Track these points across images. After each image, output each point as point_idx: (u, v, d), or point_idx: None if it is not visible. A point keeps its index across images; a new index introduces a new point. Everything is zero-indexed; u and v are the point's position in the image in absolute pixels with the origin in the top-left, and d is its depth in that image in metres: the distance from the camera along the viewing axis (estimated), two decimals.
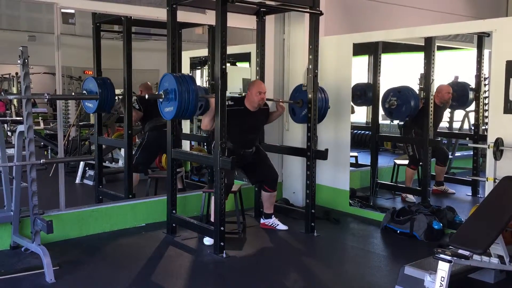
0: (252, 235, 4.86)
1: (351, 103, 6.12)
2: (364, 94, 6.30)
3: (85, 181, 6.85)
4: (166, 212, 4.79)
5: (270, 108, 4.97)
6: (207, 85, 6.95)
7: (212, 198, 4.49)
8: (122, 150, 6.37)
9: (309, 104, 4.75)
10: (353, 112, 6.10)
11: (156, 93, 4.21)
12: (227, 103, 4.28)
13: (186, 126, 7.16)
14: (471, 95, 6.21)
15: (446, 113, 6.52)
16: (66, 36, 5.60)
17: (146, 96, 4.31)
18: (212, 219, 4.51)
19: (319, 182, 5.50)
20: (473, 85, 6.09)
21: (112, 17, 5.25)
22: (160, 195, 5.23)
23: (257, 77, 5.15)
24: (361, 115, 7.01)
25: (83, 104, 5.12)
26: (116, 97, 7.85)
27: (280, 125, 6.01)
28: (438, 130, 6.13)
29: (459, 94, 6.20)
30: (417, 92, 5.92)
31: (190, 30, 6.52)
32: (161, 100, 4.11)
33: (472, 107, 6.27)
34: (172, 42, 4.49)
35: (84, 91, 4.92)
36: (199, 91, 5.12)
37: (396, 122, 7.79)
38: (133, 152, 5.53)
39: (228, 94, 4.19)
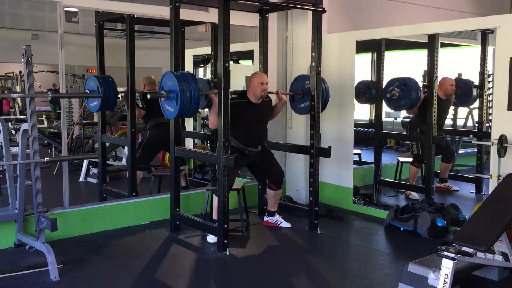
0: (255, 233, 4.87)
1: (355, 102, 6.11)
2: (368, 91, 6.28)
3: (89, 179, 6.87)
4: (169, 210, 4.80)
5: (273, 101, 4.93)
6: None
7: (215, 197, 4.49)
8: (126, 148, 6.40)
9: (312, 102, 4.75)
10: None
11: (157, 91, 4.20)
12: (232, 96, 4.26)
13: (189, 124, 7.17)
14: (475, 92, 6.18)
15: (450, 111, 6.49)
16: (69, 34, 5.61)
17: (148, 96, 4.32)
18: (214, 217, 4.52)
19: (322, 180, 5.49)
20: (477, 82, 6.07)
21: (115, 16, 5.26)
22: (164, 193, 5.24)
23: None
24: (364, 112, 7.01)
25: (86, 103, 5.16)
26: (119, 96, 7.92)
27: (283, 123, 6.01)
28: (444, 128, 6.10)
29: (463, 91, 6.17)
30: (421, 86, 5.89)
31: (193, 28, 6.52)
32: (162, 99, 4.11)
33: (476, 104, 6.25)
34: (175, 40, 4.49)
35: (87, 90, 4.95)
36: (204, 85, 5.08)
37: (399, 119, 7.82)
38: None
39: (230, 91, 4.18)
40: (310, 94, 4.79)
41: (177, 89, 3.94)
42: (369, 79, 6.50)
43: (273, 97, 4.89)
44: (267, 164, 4.82)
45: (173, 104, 4.02)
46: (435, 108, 5.37)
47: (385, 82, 5.88)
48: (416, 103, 5.58)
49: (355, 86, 5.69)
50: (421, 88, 5.63)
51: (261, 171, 4.91)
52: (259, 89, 4.48)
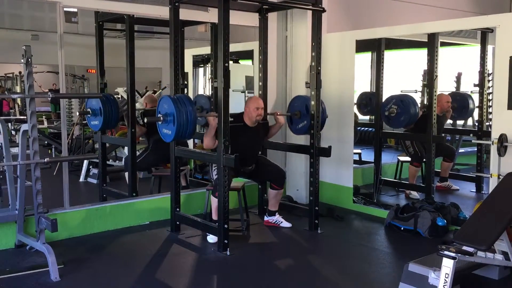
0: (256, 233, 4.87)
1: (356, 112, 6.16)
2: (370, 103, 6.31)
3: (89, 180, 6.87)
4: (170, 210, 4.80)
5: (270, 122, 5.04)
6: (210, 83, 6.95)
7: (212, 198, 4.52)
8: (126, 148, 6.40)
9: (312, 101, 4.75)
10: (357, 121, 6.19)
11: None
12: None
13: None
14: (471, 104, 6.28)
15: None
16: (69, 34, 5.60)
17: (145, 120, 4.43)
18: (213, 217, 4.53)
19: (323, 179, 5.49)
20: (476, 81, 6.07)
21: (114, 16, 5.26)
22: (164, 193, 5.24)
23: (260, 75, 5.16)
24: None
25: (88, 122, 5.14)
26: (120, 96, 7.92)
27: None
28: (444, 127, 6.12)
29: (460, 105, 6.25)
30: (420, 91, 5.92)
31: (192, 28, 6.52)
32: (160, 122, 4.16)
33: (476, 103, 6.25)
34: (175, 40, 4.49)
35: (88, 109, 4.93)
36: (206, 101, 5.08)
37: None
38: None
39: (231, 91, 4.20)
40: (307, 115, 4.84)
41: (173, 111, 3.99)
42: (370, 83, 6.51)
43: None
44: (265, 167, 4.88)
45: (170, 127, 4.07)
46: (435, 108, 5.38)
47: (385, 81, 5.90)
48: (415, 119, 5.63)
49: (358, 96, 5.72)
50: (418, 105, 5.71)
51: (260, 176, 4.96)
52: (255, 114, 4.57)
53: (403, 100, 5.62)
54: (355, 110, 6.52)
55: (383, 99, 5.91)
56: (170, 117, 4.03)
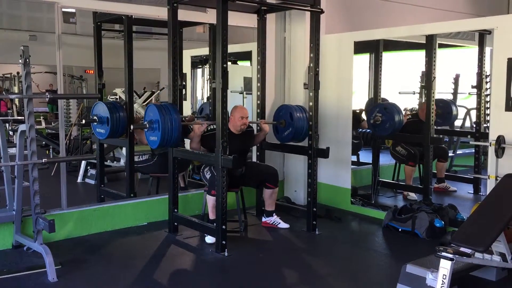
0: (253, 234, 4.87)
1: (364, 117, 6.22)
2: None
3: (87, 180, 6.86)
4: (167, 211, 4.80)
5: (255, 130, 5.10)
6: (208, 84, 6.95)
7: (208, 197, 4.52)
8: (124, 149, 6.39)
9: (310, 103, 4.75)
10: (365, 126, 6.23)
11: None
12: (211, 127, 4.47)
13: None
14: (454, 111, 6.36)
15: None
16: (67, 35, 5.62)
17: (132, 127, 4.53)
18: (210, 216, 4.54)
19: (321, 180, 5.49)
20: (474, 83, 6.08)
21: (113, 16, 5.26)
22: (162, 194, 5.24)
23: (258, 76, 5.17)
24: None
25: (93, 129, 5.08)
26: (118, 97, 7.91)
27: None
28: (442, 128, 6.16)
29: (443, 111, 6.29)
30: (418, 92, 5.93)
31: (191, 29, 6.52)
32: (146, 129, 4.27)
33: (474, 104, 6.27)
34: (173, 41, 4.50)
35: (95, 116, 4.88)
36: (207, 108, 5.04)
37: None
38: (140, 157, 5.55)
39: (229, 92, 4.20)
40: (292, 123, 4.90)
41: (158, 118, 4.11)
42: (368, 79, 6.52)
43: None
44: (255, 169, 4.92)
45: (156, 133, 4.19)
46: (433, 109, 5.38)
47: (384, 82, 5.91)
48: (400, 126, 5.66)
49: (365, 103, 5.73)
50: (403, 111, 5.78)
51: (253, 178, 4.93)
52: (239, 123, 4.65)
53: (386, 108, 5.66)
54: (363, 116, 6.57)
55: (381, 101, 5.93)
56: (155, 124, 4.15)
